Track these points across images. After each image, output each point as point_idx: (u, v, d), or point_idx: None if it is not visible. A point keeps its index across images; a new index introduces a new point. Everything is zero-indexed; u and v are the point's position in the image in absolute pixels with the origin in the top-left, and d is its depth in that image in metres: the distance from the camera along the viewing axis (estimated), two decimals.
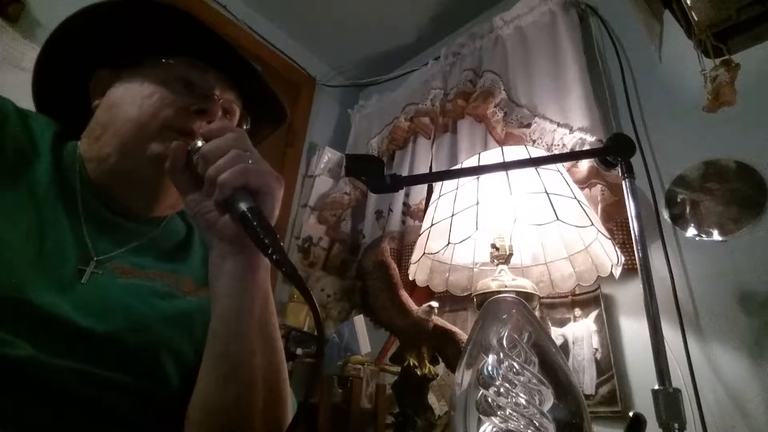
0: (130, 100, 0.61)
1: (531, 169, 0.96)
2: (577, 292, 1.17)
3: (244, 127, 0.71)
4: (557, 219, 0.86)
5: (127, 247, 0.61)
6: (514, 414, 0.73)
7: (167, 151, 0.55)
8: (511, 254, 0.98)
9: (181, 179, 0.54)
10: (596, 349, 1.09)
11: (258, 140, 0.79)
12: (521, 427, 0.72)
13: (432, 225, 1.01)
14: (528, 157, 1.01)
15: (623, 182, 0.81)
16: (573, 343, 1.13)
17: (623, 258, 0.97)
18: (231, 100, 0.68)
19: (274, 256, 0.45)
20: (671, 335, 0.96)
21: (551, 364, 0.82)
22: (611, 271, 0.97)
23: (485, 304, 0.92)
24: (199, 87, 0.64)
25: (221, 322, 0.52)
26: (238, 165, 0.49)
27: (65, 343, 0.48)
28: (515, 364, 0.78)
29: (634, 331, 1.08)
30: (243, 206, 0.47)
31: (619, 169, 0.83)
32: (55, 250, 0.53)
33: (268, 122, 0.79)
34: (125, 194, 0.62)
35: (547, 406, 0.75)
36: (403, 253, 1.56)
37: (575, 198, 0.94)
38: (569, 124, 1.27)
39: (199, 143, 0.53)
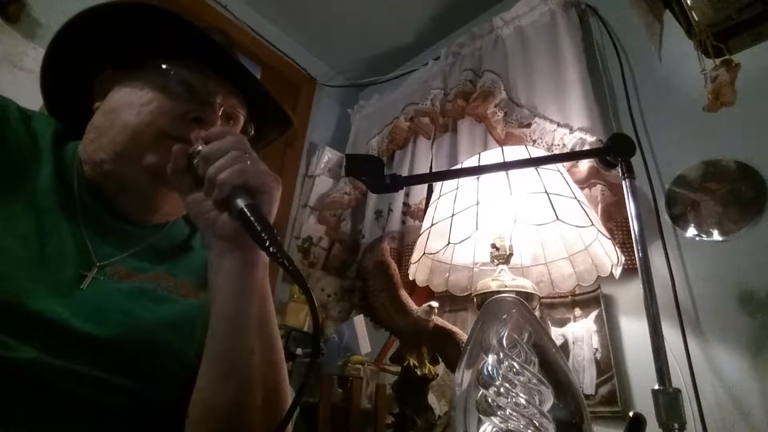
0: (128, 105, 0.61)
1: (531, 169, 0.96)
2: (577, 292, 1.16)
3: (250, 132, 0.71)
4: (557, 219, 0.86)
5: (128, 252, 0.61)
6: (514, 414, 0.73)
7: (162, 163, 0.56)
8: (511, 254, 0.98)
9: (182, 182, 0.55)
10: (596, 349, 1.09)
11: (263, 144, 0.80)
12: (521, 427, 0.72)
13: (432, 225, 1.01)
14: (528, 157, 1.01)
15: (623, 182, 0.81)
16: (573, 343, 1.13)
17: (623, 258, 0.96)
18: (233, 106, 0.68)
19: (270, 249, 0.46)
20: (671, 335, 0.96)
21: (551, 364, 0.82)
22: (611, 271, 0.97)
23: (485, 304, 0.92)
24: (199, 92, 0.64)
25: (220, 320, 0.52)
26: (237, 165, 0.50)
27: (65, 347, 0.48)
28: (515, 364, 0.78)
29: (634, 331, 1.08)
30: (241, 203, 0.48)
31: (619, 169, 0.82)
32: (55, 256, 0.53)
33: (274, 128, 0.79)
34: (119, 200, 0.62)
35: (547, 406, 0.75)
36: (403, 253, 1.56)
37: (575, 198, 0.94)
38: (569, 124, 1.27)
39: (200, 147, 0.54)
